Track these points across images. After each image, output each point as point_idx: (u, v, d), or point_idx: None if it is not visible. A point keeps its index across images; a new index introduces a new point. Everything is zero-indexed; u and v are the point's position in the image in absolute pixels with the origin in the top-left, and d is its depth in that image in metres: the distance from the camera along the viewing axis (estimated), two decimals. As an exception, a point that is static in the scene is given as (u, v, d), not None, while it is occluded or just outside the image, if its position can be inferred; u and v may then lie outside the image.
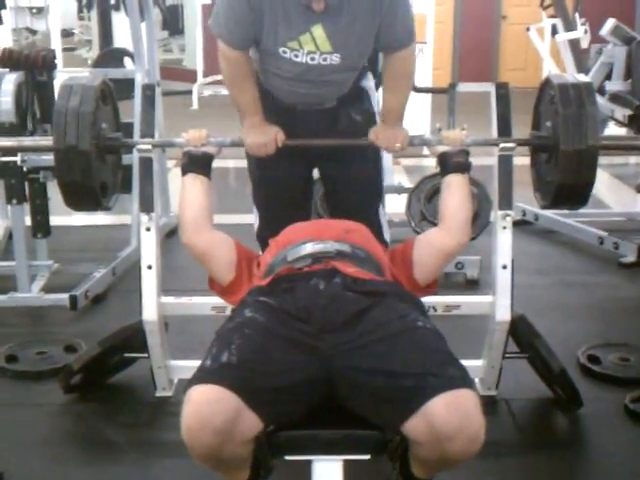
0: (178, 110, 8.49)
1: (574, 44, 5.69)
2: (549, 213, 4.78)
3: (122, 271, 4.09)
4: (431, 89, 6.40)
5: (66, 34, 11.51)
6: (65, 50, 9.32)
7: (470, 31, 11.00)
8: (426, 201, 4.06)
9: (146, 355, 2.79)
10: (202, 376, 1.84)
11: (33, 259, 3.99)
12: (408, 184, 4.66)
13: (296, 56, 2.54)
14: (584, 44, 5.86)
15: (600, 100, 4.44)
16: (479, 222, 3.82)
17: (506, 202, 2.64)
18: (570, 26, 5.79)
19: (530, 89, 3.49)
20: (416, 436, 1.80)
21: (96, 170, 2.53)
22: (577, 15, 6.10)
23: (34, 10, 9.02)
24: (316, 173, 3.06)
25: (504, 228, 2.64)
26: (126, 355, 2.95)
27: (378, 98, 2.94)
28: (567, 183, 2.50)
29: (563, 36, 5.73)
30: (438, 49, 8.82)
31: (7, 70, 3.83)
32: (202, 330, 2.92)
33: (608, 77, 4.94)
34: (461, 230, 2.42)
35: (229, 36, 2.56)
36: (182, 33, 11.95)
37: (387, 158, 3.79)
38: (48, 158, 3.18)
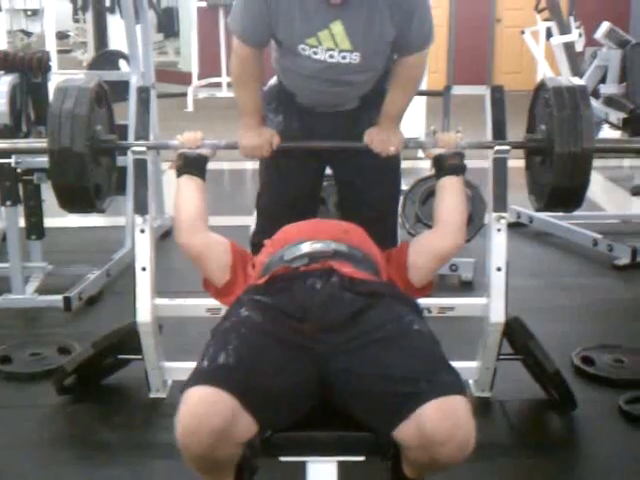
0: (173, 112, 8.50)
1: (569, 47, 5.70)
2: (543, 215, 4.79)
3: (116, 273, 4.09)
4: (426, 92, 6.38)
5: (61, 36, 11.52)
6: (60, 52, 9.34)
7: (465, 34, 10.99)
8: (420, 203, 4.07)
9: (140, 357, 2.79)
10: (199, 377, 1.83)
11: (27, 260, 3.98)
12: (403, 186, 4.65)
13: (315, 53, 2.52)
14: (579, 47, 5.88)
15: (594, 103, 4.45)
16: (474, 224, 3.82)
17: (501, 204, 2.64)
18: (565, 29, 5.80)
19: (525, 92, 3.50)
20: (407, 441, 1.80)
21: (90, 172, 2.53)
22: (572, 18, 6.12)
23: (29, 12, 9.03)
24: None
25: (499, 230, 2.64)
26: (120, 357, 2.94)
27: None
28: (561, 186, 2.51)
29: (558, 39, 5.74)
30: (433, 52, 8.76)
31: (2, 72, 3.83)
32: (196, 332, 2.91)
33: (602, 80, 4.96)
34: (456, 232, 2.43)
35: (243, 32, 2.55)
36: (177, 36, 11.96)
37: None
38: (42, 160, 3.18)
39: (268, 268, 2.23)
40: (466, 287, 4.00)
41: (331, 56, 2.53)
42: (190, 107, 9.40)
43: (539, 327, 2.89)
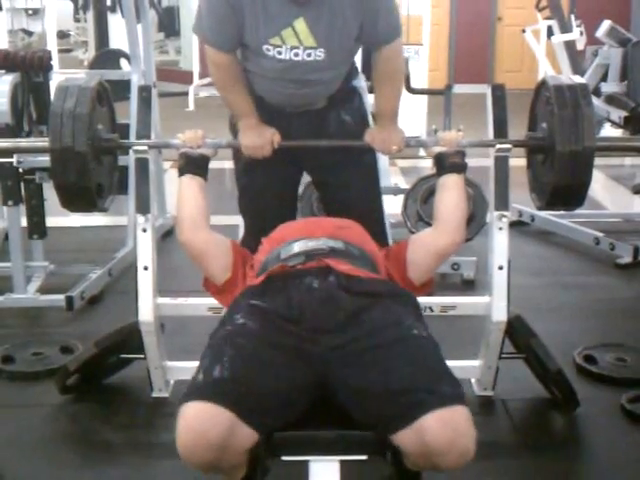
0: (174, 111, 8.49)
1: (570, 46, 5.70)
2: (545, 214, 4.79)
3: (118, 272, 4.09)
4: (427, 90, 6.40)
5: (62, 35, 11.50)
6: (61, 51, 9.33)
7: (466, 33, 11.02)
8: (422, 202, 4.07)
9: (142, 356, 2.79)
10: (195, 392, 1.83)
11: (29, 260, 3.98)
12: (404, 185, 4.65)
13: (279, 53, 2.51)
14: (580, 46, 5.88)
15: (596, 101, 4.45)
16: (475, 223, 3.83)
17: (502, 203, 2.64)
18: (566, 28, 5.80)
19: (526, 90, 3.50)
20: (407, 448, 1.81)
21: (92, 171, 2.53)
22: (573, 17, 6.11)
23: (30, 11, 9.01)
24: (307, 177, 3.04)
25: (500, 229, 2.64)
26: (122, 356, 2.94)
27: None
28: (563, 184, 2.51)
29: (559, 38, 5.73)
30: (434, 51, 8.84)
31: (3, 71, 3.83)
32: (198, 331, 2.90)
33: (604, 78, 4.96)
34: (455, 230, 2.42)
35: (214, 38, 2.54)
36: (178, 35, 11.96)
37: (383, 159, 3.79)
38: (44, 159, 3.18)
39: (265, 267, 2.23)
40: (468, 286, 4.00)
41: (296, 54, 2.51)
42: (191, 106, 9.40)
43: (541, 326, 2.89)
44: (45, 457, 2.62)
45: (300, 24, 2.46)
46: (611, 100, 4.85)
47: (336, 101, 2.75)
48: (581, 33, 5.96)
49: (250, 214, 2.96)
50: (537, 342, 2.78)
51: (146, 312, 2.66)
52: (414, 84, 5.01)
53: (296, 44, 2.49)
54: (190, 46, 10.07)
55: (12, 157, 3.60)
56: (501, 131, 2.66)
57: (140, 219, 2.65)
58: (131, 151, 2.73)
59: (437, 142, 2.58)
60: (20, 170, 3.69)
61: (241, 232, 3.06)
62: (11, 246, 3.79)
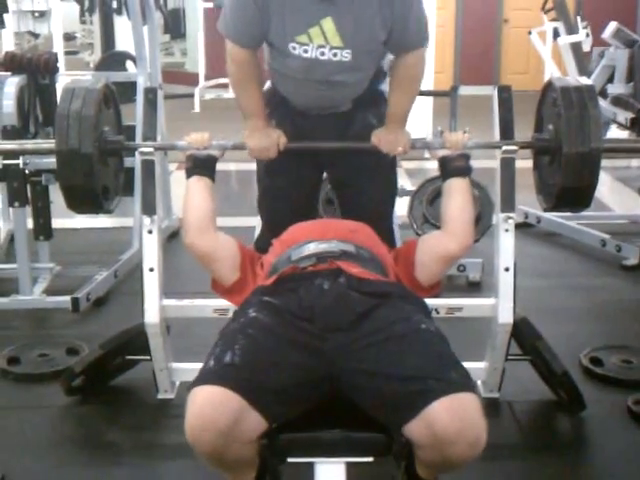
0: (180, 113, 8.51)
1: (576, 47, 5.69)
2: (551, 216, 4.78)
3: (124, 274, 4.09)
4: (433, 92, 6.39)
5: (68, 37, 11.52)
6: (67, 53, 9.35)
7: (472, 34, 11.01)
8: (428, 204, 4.06)
9: (148, 357, 2.79)
10: (205, 377, 1.84)
11: (35, 262, 3.99)
12: (410, 187, 4.66)
13: (305, 51, 2.50)
14: (586, 47, 5.87)
15: (602, 103, 4.45)
16: (481, 225, 3.82)
17: (508, 205, 2.64)
18: (572, 29, 5.79)
19: (532, 92, 3.50)
20: (417, 439, 1.80)
21: (98, 173, 2.54)
22: (579, 18, 6.10)
23: (36, 14, 9.04)
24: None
25: (506, 231, 2.64)
26: (128, 357, 2.95)
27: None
28: (570, 186, 2.50)
29: (565, 39, 5.73)
30: (440, 52, 8.83)
31: (9, 73, 3.84)
32: (204, 333, 2.90)
33: (610, 80, 4.96)
34: (464, 234, 2.42)
35: (236, 35, 2.53)
36: (184, 37, 11.97)
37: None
38: (50, 161, 3.18)
39: (276, 268, 2.23)
40: (474, 287, 3.99)
41: (322, 53, 2.51)
42: (197, 108, 9.41)
43: (547, 328, 2.89)
44: (51, 458, 2.63)
45: (328, 23, 2.45)
46: (617, 102, 4.85)
47: (362, 104, 2.75)
48: (587, 34, 5.96)
49: (270, 214, 2.96)
50: (543, 344, 2.78)
51: (152, 314, 2.66)
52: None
53: (323, 43, 2.49)
54: (196, 48, 10.07)
55: (18, 159, 3.61)
56: (507, 133, 2.65)
57: (146, 221, 2.65)
58: (137, 153, 2.73)
59: (443, 144, 2.57)
60: (26, 172, 3.70)
61: (256, 233, 3.06)
62: (17, 248, 3.80)
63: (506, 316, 2.65)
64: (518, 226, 2.88)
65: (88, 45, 12.29)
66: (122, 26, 9.38)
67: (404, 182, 5.17)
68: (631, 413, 2.79)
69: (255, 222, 3.09)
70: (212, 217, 2.46)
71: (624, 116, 4.73)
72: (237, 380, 1.81)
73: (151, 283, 2.66)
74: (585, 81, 2.63)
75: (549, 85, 2.64)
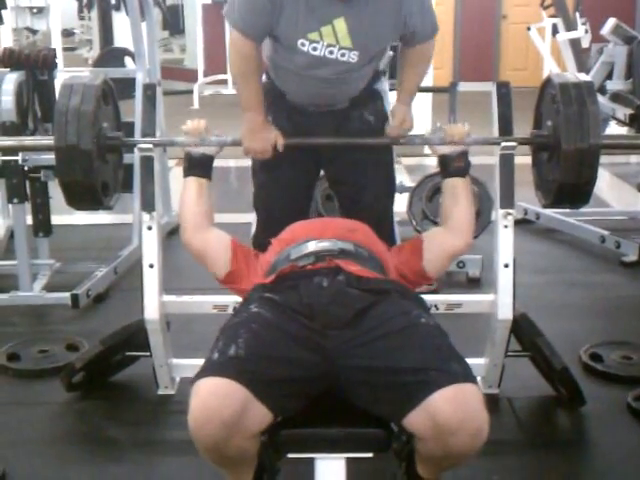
0: (179, 110, 8.49)
1: (575, 43, 5.69)
2: (550, 212, 4.78)
3: (124, 270, 4.09)
4: (432, 88, 6.39)
5: (67, 34, 11.54)
6: (66, 50, 9.35)
7: (471, 30, 11.01)
8: (427, 200, 4.06)
9: (148, 354, 2.79)
10: (210, 369, 1.84)
11: (35, 258, 3.98)
12: (409, 183, 4.65)
13: (315, 49, 2.50)
14: (585, 43, 5.87)
15: (601, 99, 4.45)
16: (481, 221, 3.82)
17: (508, 201, 2.64)
18: (571, 25, 5.80)
19: (531, 88, 3.50)
20: (418, 430, 1.80)
21: (97, 169, 2.53)
22: (578, 14, 6.10)
23: (35, 10, 9.04)
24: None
25: (506, 227, 2.64)
26: (128, 354, 2.95)
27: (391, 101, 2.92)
28: (569, 182, 2.50)
29: (564, 35, 5.73)
30: (439, 48, 8.78)
31: (8, 70, 3.84)
32: (204, 329, 2.91)
33: (609, 76, 4.95)
34: (468, 232, 2.49)
35: (244, 25, 2.50)
36: (182, 33, 11.95)
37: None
38: (49, 157, 3.17)
39: (275, 267, 2.24)
40: (473, 284, 3.99)
41: (331, 52, 2.52)
42: (196, 104, 9.41)
43: (547, 324, 2.89)
44: (51, 454, 2.63)
45: (340, 23, 2.46)
46: (616, 98, 4.84)
47: (358, 102, 2.76)
48: (586, 31, 5.96)
49: (265, 211, 2.95)
50: (543, 340, 2.78)
51: (152, 310, 2.67)
52: (419, 82, 5.00)
53: (333, 42, 2.50)
54: (195, 44, 10.07)
55: (17, 155, 3.60)
56: (506, 129, 2.65)
57: (145, 217, 2.66)
58: (136, 149, 2.73)
59: (443, 139, 2.57)
60: (25, 168, 3.70)
61: (253, 229, 3.06)
62: (17, 244, 3.80)
63: (506, 312, 2.65)
64: (517, 222, 2.89)
65: (86, 41, 12.31)
66: (120, 22, 9.37)
67: (403, 178, 5.17)
68: (631, 409, 2.79)
69: (252, 218, 3.09)
70: (206, 217, 2.49)
71: (623, 112, 4.72)
72: (242, 372, 1.81)
73: (151, 279, 2.66)
74: (584, 77, 2.63)
75: (548, 81, 2.64)
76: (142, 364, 2.93)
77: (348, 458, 1.92)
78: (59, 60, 4.50)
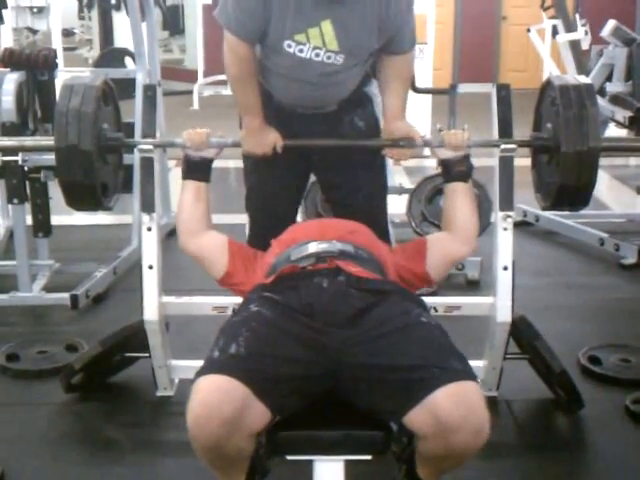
0: (179, 110, 8.50)
1: (575, 45, 5.69)
2: (550, 214, 4.79)
3: (123, 271, 4.10)
4: (432, 90, 6.40)
5: (67, 34, 11.52)
6: (66, 50, 9.33)
7: (470, 32, 10.95)
8: (427, 202, 4.07)
9: (147, 355, 2.79)
10: (211, 367, 1.84)
11: (34, 258, 3.99)
12: (409, 185, 4.66)
13: (301, 51, 2.50)
14: (585, 45, 5.86)
15: (601, 102, 4.44)
16: (480, 223, 3.81)
17: (507, 203, 2.64)
18: (571, 27, 5.79)
19: (530, 90, 3.50)
20: (420, 428, 1.80)
21: (97, 170, 2.53)
22: (577, 16, 6.10)
23: (35, 10, 9.02)
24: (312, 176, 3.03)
25: (505, 229, 2.64)
26: (127, 355, 2.95)
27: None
28: (568, 184, 2.50)
29: (564, 37, 5.73)
30: (438, 50, 8.82)
31: (8, 70, 3.84)
32: (203, 330, 2.92)
33: (609, 78, 4.94)
34: (474, 237, 2.52)
35: (237, 26, 2.49)
36: (183, 33, 11.95)
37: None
38: (49, 158, 3.17)
39: (275, 268, 2.24)
40: (472, 286, 4.00)
41: (317, 54, 2.51)
42: (196, 105, 9.40)
43: (545, 326, 2.89)
44: (49, 455, 2.63)
45: (327, 26, 2.46)
46: (616, 100, 4.84)
47: (348, 105, 2.74)
48: (586, 32, 5.95)
49: (257, 213, 2.94)
50: (541, 343, 2.78)
51: (151, 311, 2.67)
52: (418, 83, 5.00)
53: (319, 45, 2.49)
54: (195, 44, 10.06)
55: (17, 155, 3.60)
56: (506, 131, 2.65)
57: (145, 218, 2.65)
58: (136, 150, 2.73)
59: (442, 142, 2.57)
60: (25, 168, 3.70)
61: (247, 231, 3.06)
62: (16, 244, 3.80)
63: (504, 315, 2.65)
64: (517, 225, 2.89)
65: (87, 41, 12.30)
66: (121, 22, 9.38)
67: (403, 180, 5.18)
68: (629, 412, 2.80)
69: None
70: (202, 221, 2.51)
71: (623, 115, 4.72)
72: (243, 370, 1.81)
73: (150, 280, 2.66)
74: (584, 79, 2.63)
75: (548, 83, 2.65)
76: (141, 365, 2.94)
77: (347, 460, 1.92)
78: (59, 60, 4.49)
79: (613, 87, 4.88)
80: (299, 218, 3.17)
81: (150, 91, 2.75)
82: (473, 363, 2.76)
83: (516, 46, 10.78)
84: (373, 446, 1.92)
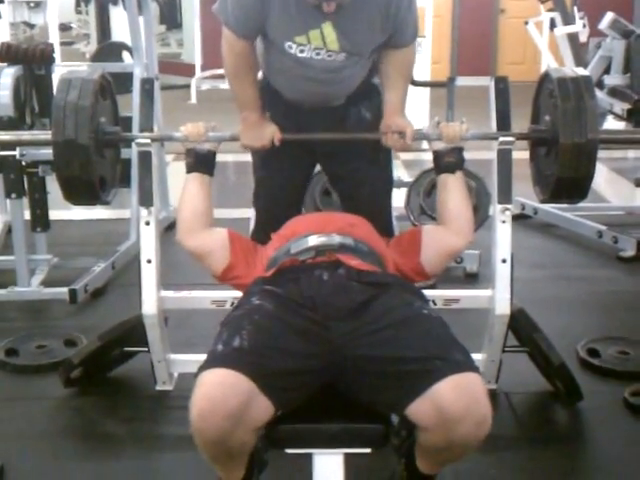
0: (176, 104, 8.49)
1: (573, 38, 5.68)
2: (548, 207, 4.79)
3: (121, 265, 4.09)
4: (430, 83, 6.38)
5: (64, 28, 11.49)
6: (63, 44, 9.33)
7: (468, 25, 11.00)
8: (425, 195, 4.07)
9: (146, 349, 2.79)
10: (215, 360, 1.84)
11: (32, 253, 3.99)
12: (407, 178, 4.66)
13: (301, 51, 2.50)
14: (583, 38, 5.86)
15: (599, 94, 4.44)
16: (478, 216, 3.82)
17: (505, 196, 2.64)
18: (568, 20, 5.78)
19: (528, 83, 3.49)
20: (422, 419, 1.80)
21: (95, 164, 2.53)
22: (575, 9, 6.09)
23: (32, 4, 8.98)
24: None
25: (503, 222, 2.64)
26: (126, 349, 2.95)
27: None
28: (566, 177, 2.50)
29: (562, 30, 5.72)
30: (437, 43, 8.81)
31: (5, 64, 3.83)
32: (202, 324, 2.93)
33: (607, 71, 4.94)
34: (468, 229, 2.48)
35: (236, 23, 2.49)
36: (180, 27, 11.94)
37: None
38: (47, 152, 3.17)
39: (275, 261, 2.24)
40: (471, 279, 4.00)
41: (317, 54, 2.51)
42: (193, 99, 9.40)
43: (544, 319, 2.90)
44: (48, 450, 2.63)
45: (328, 28, 2.45)
46: (614, 92, 4.84)
47: (355, 98, 2.74)
48: (584, 25, 5.95)
49: (263, 206, 2.95)
50: (540, 335, 2.79)
51: (149, 305, 2.67)
52: (416, 77, 4.99)
53: (320, 45, 2.49)
54: (192, 38, 10.05)
55: (15, 150, 3.59)
56: (504, 124, 2.65)
57: (143, 212, 2.65)
58: (134, 144, 2.72)
59: (440, 135, 2.56)
60: (23, 163, 3.69)
61: (251, 225, 3.06)
62: (14, 239, 3.79)
63: (503, 307, 2.65)
64: (515, 217, 2.90)
65: (84, 36, 12.27)
66: (118, 16, 9.35)
67: (401, 173, 5.18)
68: (627, 404, 2.80)
69: (251, 213, 3.09)
70: (203, 217, 2.49)
71: (621, 107, 4.72)
72: (247, 364, 1.81)
73: (149, 274, 2.66)
74: (582, 72, 2.62)
75: (546, 76, 2.64)
76: (140, 359, 2.94)
77: (346, 454, 1.92)
78: (56, 54, 4.49)
79: (611, 79, 4.88)
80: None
81: (148, 84, 2.74)
82: (472, 356, 2.79)
83: (514, 39, 10.78)
84: (373, 439, 1.92)
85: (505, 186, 2.64)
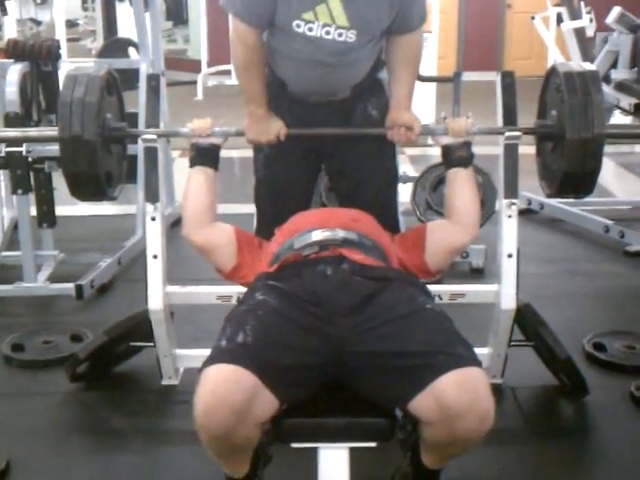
0: (182, 100, 8.49)
1: (579, 32, 5.66)
2: (554, 202, 4.78)
3: (128, 261, 4.10)
4: (436, 78, 6.38)
5: (70, 24, 11.52)
6: (69, 40, 9.32)
7: (475, 20, 10.98)
8: (431, 190, 4.06)
9: (152, 344, 2.80)
10: (219, 356, 1.84)
11: (39, 249, 4.00)
12: (413, 173, 4.66)
13: (310, 30, 2.47)
14: (589, 32, 5.84)
15: (606, 89, 4.43)
16: (484, 211, 3.81)
17: (511, 191, 2.63)
18: (575, 14, 5.76)
19: (535, 78, 3.49)
20: (425, 414, 1.80)
21: (101, 160, 2.54)
22: (582, 3, 6.07)
23: (38, 1, 9.02)
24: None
25: (509, 217, 2.63)
26: (132, 344, 2.95)
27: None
28: (573, 172, 2.50)
29: (568, 25, 5.70)
30: (443, 38, 8.82)
31: (12, 61, 3.84)
32: (208, 319, 2.93)
33: (614, 65, 4.92)
34: (474, 225, 2.47)
35: (246, 12, 2.47)
36: (186, 23, 11.94)
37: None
38: (53, 148, 3.18)
39: (278, 257, 2.24)
40: (477, 274, 3.99)
41: (327, 32, 2.48)
42: (200, 95, 9.40)
43: (550, 313, 2.89)
44: (55, 444, 2.64)
45: (334, 1, 2.43)
46: (621, 87, 4.82)
47: (361, 92, 2.72)
48: (591, 20, 5.92)
49: (266, 206, 2.92)
50: (546, 330, 2.78)
51: (155, 300, 2.67)
52: (423, 72, 4.99)
53: (329, 22, 2.46)
54: (198, 35, 10.05)
55: (21, 146, 3.60)
56: (510, 119, 2.64)
57: (149, 208, 2.65)
58: (140, 140, 2.73)
59: (446, 130, 2.56)
60: (29, 159, 3.69)
61: (255, 222, 3.06)
62: (21, 235, 3.80)
63: (509, 302, 2.65)
64: (521, 212, 2.89)
65: (90, 32, 12.30)
66: (124, 13, 9.34)
67: (407, 169, 5.17)
68: (634, 399, 2.80)
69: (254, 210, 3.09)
70: (209, 211, 2.49)
71: (628, 102, 4.71)
72: (251, 359, 1.81)
73: (155, 270, 2.67)
74: (589, 66, 2.62)
75: (552, 71, 2.64)
76: (146, 354, 2.94)
77: (351, 448, 1.92)
78: (63, 51, 4.49)
79: (618, 74, 4.86)
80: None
81: (154, 81, 2.74)
82: (478, 351, 2.75)
83: (520, 34, 10.75)
84: (378, 433, 1.92)
85: (511, 181, 2.63)
